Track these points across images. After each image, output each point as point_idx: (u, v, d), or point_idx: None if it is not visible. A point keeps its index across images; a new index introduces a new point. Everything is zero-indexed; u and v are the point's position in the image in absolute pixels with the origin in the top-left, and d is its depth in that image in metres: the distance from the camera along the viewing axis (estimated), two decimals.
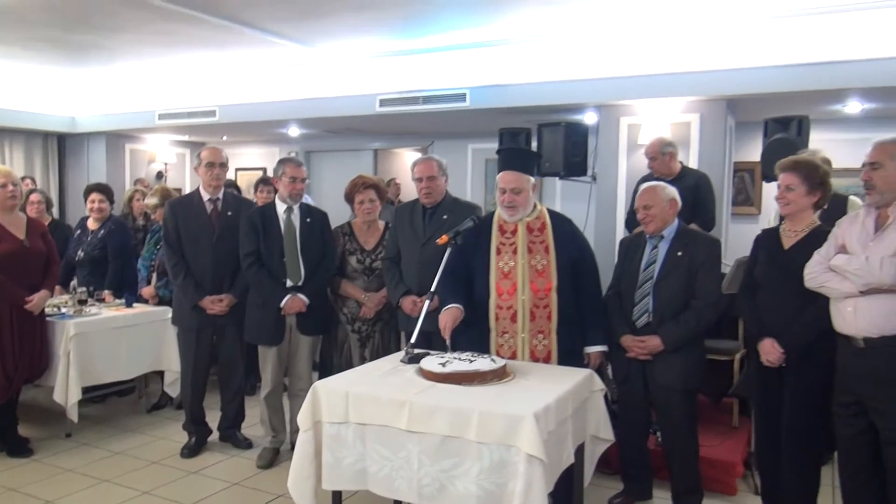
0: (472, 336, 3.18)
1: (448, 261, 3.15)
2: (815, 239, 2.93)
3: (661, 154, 4.80)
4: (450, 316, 3.03)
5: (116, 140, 9.36)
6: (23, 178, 5.99)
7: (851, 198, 4.11)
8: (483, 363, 2.76)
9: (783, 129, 5.06)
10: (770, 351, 2.98)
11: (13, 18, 5.65)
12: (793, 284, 2.91)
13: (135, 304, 4.81)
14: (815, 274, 2.76)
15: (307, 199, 6.27)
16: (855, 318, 2.63)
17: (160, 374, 4.90)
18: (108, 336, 4.46)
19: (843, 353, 2.73)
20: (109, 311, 4.64)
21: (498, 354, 3.07)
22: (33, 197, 5.40)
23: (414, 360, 2.96)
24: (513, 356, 3.13)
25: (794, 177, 3.01)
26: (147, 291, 5.03)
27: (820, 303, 2.83)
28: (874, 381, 2.61)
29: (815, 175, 3.01)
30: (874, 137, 2.77)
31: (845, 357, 2.72)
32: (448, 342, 2.99)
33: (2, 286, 3.93)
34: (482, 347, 3.11)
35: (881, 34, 4.92)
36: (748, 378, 3.53)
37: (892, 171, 2.60)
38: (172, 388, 4.74)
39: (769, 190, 3.44)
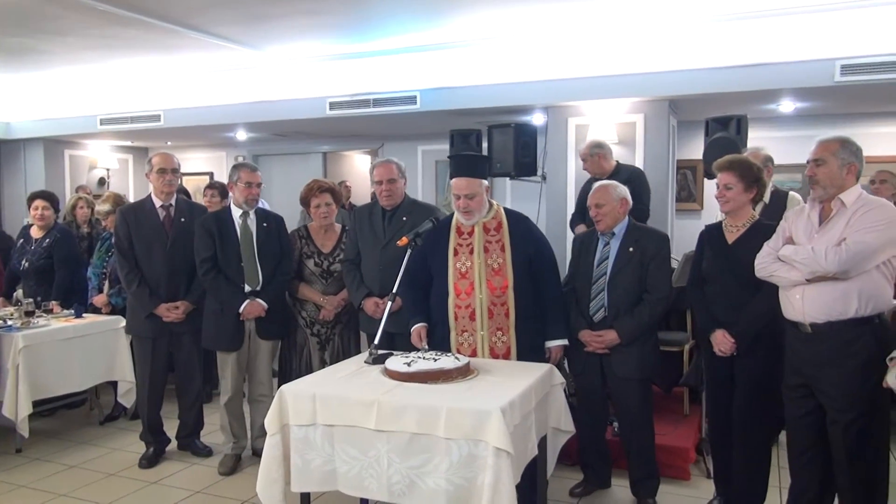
0: (435, 335, 3.27)
1: (408, 262, 3.20)
2: (757, 232, 3.09)
3: (590, 156, 5.09)
4: (417, 334, 3.28)
5: (55, 146, 9.09)
6: None
7: (791, 193, 4.32)
8: (447, 361, 2.82)
9: (723, 127, 5.27)
10: (722, 341, 3.13)
11: None
12: (739, 277, 3.06)
13: (85, 314, 4.70)
14: (766, 264, 2.90)
15: (263, 203, 6.23)
16: (802, 305, 2.78)
17: (112, 384, 4.79)
18: (58, 348, 4.35)
19: (791, 338, 2.88)
20: (58, 322, 4.51)
21: (458, 352, 3.15)
22: None
23: (378, 360, 3.00)
24: (473, 354, 3.19)
25: (731, 176, 3.15)
26: (99, 300, 4.91)
27: (765, 292, 2.98)
28: (820, 364, 2.75)
29: (751, 173, 3.17)
30: (807, 135, 2.96)
31: (794, 342, 2.87)
32: (425, 346, 3.17)
33: None
34: (444, 346, 3.18)
35: (811, 38, 5.19)
36: (698, 368, 3.69)
37: (835, 168, 2.76)
38: (127, 398, 4.65)
39: (711, 186, 3.59)
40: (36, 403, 4.26)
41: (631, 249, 3.39)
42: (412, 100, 6.55)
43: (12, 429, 4.19)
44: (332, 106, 6.89)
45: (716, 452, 3.41)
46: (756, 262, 2.94)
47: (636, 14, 5.45)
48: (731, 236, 3.21)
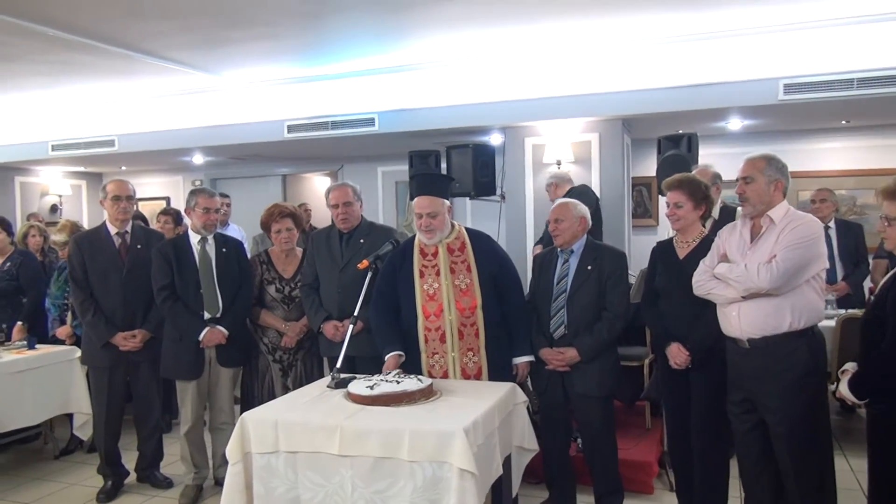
0: (407, 358, 3.27)
1: (374, 285, 3.21)
2: (706, 247, 3.16)
3: (547, 186, 5.61)
4: (393, 362, 3.20)
5: (4, 173, 8.88)
6: None
7: (740, 208, 4.45)
8: (410, 384, 2.83)
9: (675, 145, 5.43)
10: (677, 354, 3.20)
11: None
12: (691, 291, 3.14)
13: (39, 346, 4.58)
14: (702, 282, 2.99)
15: (234, 228, 6.18)
16: (739, 322, 2.86)
17: (68, 416, 4.67)
18: (9, 381, 4.22)
19: (731, 354, 2.96)
20: (10, 355, 4.39)
21: (430, 375, 3.16)
22: None
23: (341, 384, 2.99)
24: (444, 375, 3.21)
25: (681, 194, 3.25)
26: (63, 331, 4.81)
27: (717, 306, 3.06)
28: (759, 378, 2.83)
29: (699, 191, 3.27)
30: (754, 150, 3.05)
31: (734, 358, 2.95)
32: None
33: None
34: (414, 369, 3.18)
35: (756, 58, 5.40)
36: (657, 381, 3.76)
37: (762, 184, 2.86)
38: (83, 430, 4.52)
39: (664, 201, 3.69)
40: None
41: (589, 267, 3.45)
42: (370, 122, 6.59)
43: None
44: (291, 129, 6.89)
45: (677, 465, 3.48)
46: (693, 280, 3.02)
47: (589, 36, 5.60)
48: (682, 252, 3.29)
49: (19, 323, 4.77)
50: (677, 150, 5.36)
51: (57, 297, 4.99)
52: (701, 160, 5.27)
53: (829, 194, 5.30)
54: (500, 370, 3.26)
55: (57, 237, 5.16)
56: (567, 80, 5.91)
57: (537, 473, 3.71)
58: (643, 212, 8.16)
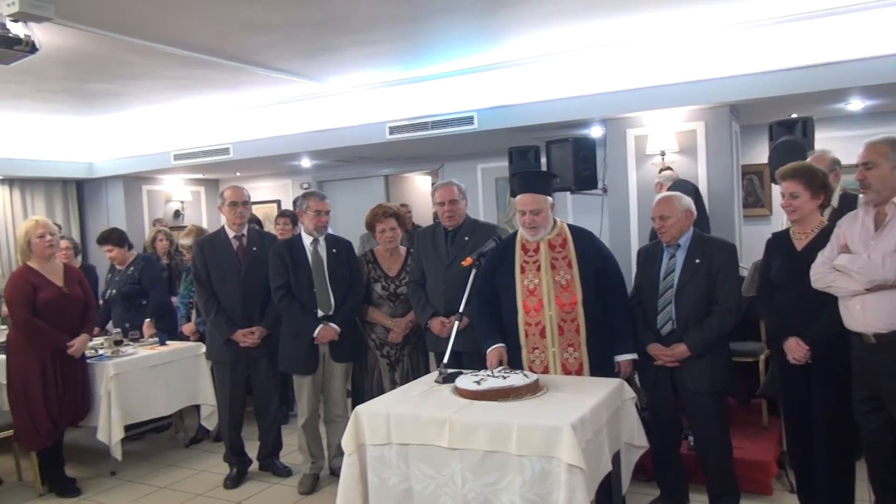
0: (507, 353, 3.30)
1: (475, 282, 3.27)
2: (826, 238, 3.00)
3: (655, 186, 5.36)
4: (496, 355, 3.24)
5: (133, 182, 9.58)
6: None
7: (861, 196, 4.19)
8: (516, 379, 2.86)
9: (788, 131, 5.15)
10: (796, 349, 3.06)
11: (31, 75, 5.87)
12: (809, 284, 2.98)
13: (169, 342, 4.95)
14: (821, 275, 2.84)
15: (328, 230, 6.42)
16: (864, 315, 2.70)
17: (196, 408, 5.02)
18: (145, 374, 4.59)
19: (856, 349, 2.80)
20: (145, 350, 4.77)
21: (530, 370, 3.18)
22: (63, 243, 5.55)
23: (448, 379, 3.06)
24: (545, 370, 3.22)
25: (797, 184, 3.08)
26: (188, 328, 5.18)
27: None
28: (889, 375, 2.67)
29: (816, 179, 3.09)
30: (879, 132, 2.87)
31: (859, 353, 2.79)
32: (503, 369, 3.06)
33: (45, 332, 4.08)
34: (515, 364, 3.21)
35: (878, 33, 5.03)
36: (774, 378, 3.60)
37: (886, 170, 2.68)
38: (209, 421, 4.86)
39: (779, 191, 3.52)
40: (126, 428, 4.49)
41: (697, 261, 3.35)
42: (469, 120, 6.64)
43: (106, 452, 4.44)
44: (392, 130, 7.05)
45: (797, 466, 3.33)
46: (811, 272, 2.87)
47: (691, 21, 5.40)
48: (799, 243, 3.14)
49: (147, 320, 5.17)
50: (791, 135, 5.09)
51: (184, 296, 5.37)
52: (817, 145, 4.98)
53: None
54: (602, 367, 3.24)
55: (184, 241, 5.53)
56: (669, 68, 5.74)
57: (647, 471, 3.66)
58: (754, 201, 7.80)
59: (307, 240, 4.17)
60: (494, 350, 3.26)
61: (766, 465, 3.78)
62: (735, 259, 3.44)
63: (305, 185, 10.10)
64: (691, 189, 5.18)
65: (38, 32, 4.22)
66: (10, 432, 4.19)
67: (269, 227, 7.39)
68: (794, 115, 5.35)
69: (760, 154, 6.92)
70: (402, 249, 4.33)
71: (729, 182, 5.96)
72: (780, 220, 5.99)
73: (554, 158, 6.14)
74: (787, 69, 5.31)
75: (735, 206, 6.15)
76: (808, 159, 3.72)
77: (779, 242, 3.25)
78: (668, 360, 3.33)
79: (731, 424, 3.51)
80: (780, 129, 5.21)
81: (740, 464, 3.56)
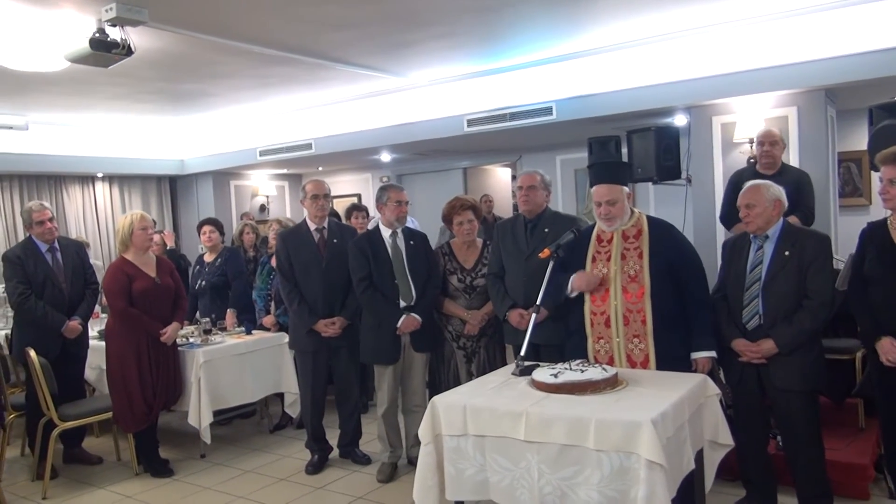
0: (571, 342, 3.31)
1: (551, 274, 3.23)
2: None
3: (779, 141, 4.63)
4: (516, 315, 3.67)
5: (222, 178, 10.00)
6: None
7: None
8: (595, 372, 2.80)
9: (890, 114, 4.83)
10: (889, 349, 2.88)
11: (126, 77, 6.20)
12: None
13: (253, 332, 5.13)
14: None
15: (413, 221, 6.52)
16: None
17: (280, 395, 5.19)
18: (232, 362, 4.78)
19: None
20: (232, 339, 4.96)
21: (595, 359, 3.15)
22: (156, 237, 5.86)
23: (525, 372, 3.04)
24: (610, 361, 3.17)
25: None
26: (268, 320, 5.35)
27: None
28: None
29: None
30: None
31: None
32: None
33: (140, 320, 4.31)
34: (580, 353, 3.19)
35: None
36: (871, 376, 3.40)
37: None
38: (292, 408, 5.02)
39: (877, 177, 3.31)
40: (214, 413, 4.69)
41: (787, 253, 3.20)
42: (548, 111, 6.57)
43: (196, 435, 4.66)
44: (470, 122, 7.06)
45: (895, 472, 3.13)
46: None
47: (782, 0, 5.15)
48: None
49: (229, 310, 5.38)
50: (893, 119, 4.77)
51: (261, 288, 5.53)
52: None
53: None
54: (672, 362, 3.13)
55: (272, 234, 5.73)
56: (758, 52, 5.48)
57: (733, 470, 3.53)
58: (852, 190, 7.38)
59: (386, 232, 4.23)
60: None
61: (862, 468, 3.57)
62: (829, 251, 3.25)
63: (385, 179, 10.26)
64: (808, 179, 4.73)
65: (133, 36, 4.45)
66: (110, 414, 4.44)
67: (352, 223, 7.54)
68: None
69: (859, 140, 6.54)
70: (479, 242, 4.32)
71: (824, 170, 5.65)
72: (880, 211, 5.65)
73: (635, 148, 6.00)
74: (889, 48, 4.98)
75: (831, 195, 5.83)
76: None
77: (874, 233, 3.06)
78: (753, 356, 3.19)
79: (823, 425, 3.34)
80: (881, 113, 4.88)
81: (834, 466, 3.39)
